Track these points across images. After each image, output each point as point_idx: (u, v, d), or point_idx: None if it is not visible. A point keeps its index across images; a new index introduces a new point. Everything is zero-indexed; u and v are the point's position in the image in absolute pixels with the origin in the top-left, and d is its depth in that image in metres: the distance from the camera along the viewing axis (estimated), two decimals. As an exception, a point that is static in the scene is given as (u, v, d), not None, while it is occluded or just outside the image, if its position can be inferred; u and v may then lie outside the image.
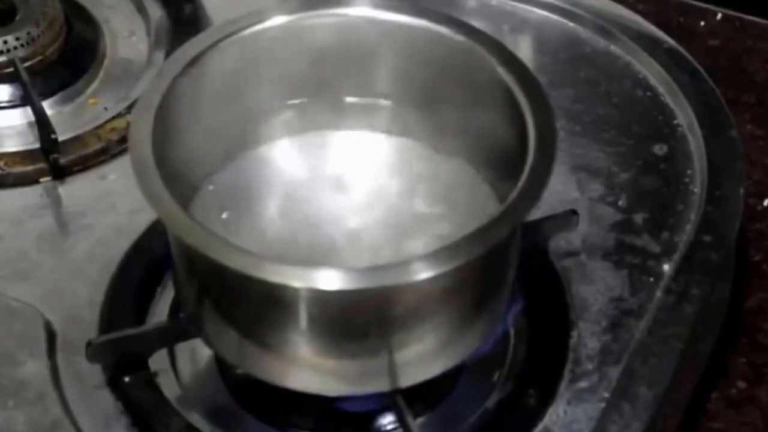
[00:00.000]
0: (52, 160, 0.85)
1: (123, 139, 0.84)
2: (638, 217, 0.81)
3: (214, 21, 0.94)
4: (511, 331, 0.75)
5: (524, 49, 0.91)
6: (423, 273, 0.60)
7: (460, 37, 0.70)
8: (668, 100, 0.88)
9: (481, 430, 0.71)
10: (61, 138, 0.85)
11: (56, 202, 0.84)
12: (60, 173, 0.85)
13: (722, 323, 0.80)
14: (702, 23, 1.01)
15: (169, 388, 0.73)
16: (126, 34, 0.96)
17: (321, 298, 0.62)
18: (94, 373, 0.72)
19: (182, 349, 0.75)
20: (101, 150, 0.86)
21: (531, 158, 0.64)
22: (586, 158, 0.84)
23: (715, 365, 0.80)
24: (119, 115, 0.87)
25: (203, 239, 0.61)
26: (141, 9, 0.97)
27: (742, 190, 0.80)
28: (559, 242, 0.78)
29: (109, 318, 0.75)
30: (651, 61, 0.90)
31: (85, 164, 0.85)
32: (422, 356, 0.65)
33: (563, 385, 0.72)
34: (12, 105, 0.89)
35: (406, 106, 0.73)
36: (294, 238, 0.70)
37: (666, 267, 0.77)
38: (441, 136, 0.72)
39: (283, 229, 0.71)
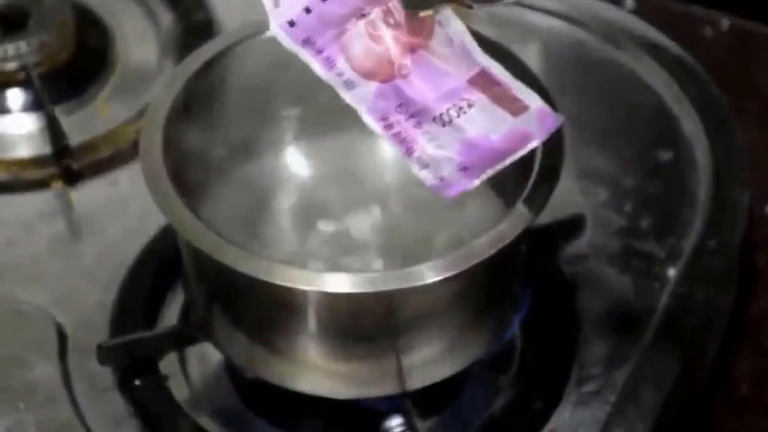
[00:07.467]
0: (63, 165, 0.85)
1: (134, 145, 0.84)
2: (644, 223, 0.81)
3: (225, 27, 0.94)
4: (518, 334, 0.75)
5: (531, 56, 0.91)
6: (432, 277, 0.60)
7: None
8: (674, 107, 0.88)
9: (487, 433, 0.72)
10: (72, 143, 0.85)
11: (68, 207, 0.84)
12: (72, 178, 0.85)
13: (726, 328, 0.80)
14: (709, 31, 1.01)
15: (179, 392, 0.73)
16: (137, 40, 0.96)
17: (330, 301, 0.62)
18: (105, 375, 0.73)
19: (192, 352, 0.75)
20: (112, 155, 0.86)
21: (539, 163, 0.65)
22: (593, 164, 0.84)
23: (720, 370, 0.80)
24: (130, 121, 0.87)
25: (213, 244, 0.62)
26: (152, 15, 0.97)
27: (747, 197, 0.81)
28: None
29: (120, 321, 0.75)
30: (657, 68, 0.89)
31: (97, 169, 0.86)
32: (430, 359, 0.66)
33: (569, 389, 0.72)
34: (24, 111, 0.89)
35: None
36: (305, 237, 0.72)
37: (671, 272, 0.78)
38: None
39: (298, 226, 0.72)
